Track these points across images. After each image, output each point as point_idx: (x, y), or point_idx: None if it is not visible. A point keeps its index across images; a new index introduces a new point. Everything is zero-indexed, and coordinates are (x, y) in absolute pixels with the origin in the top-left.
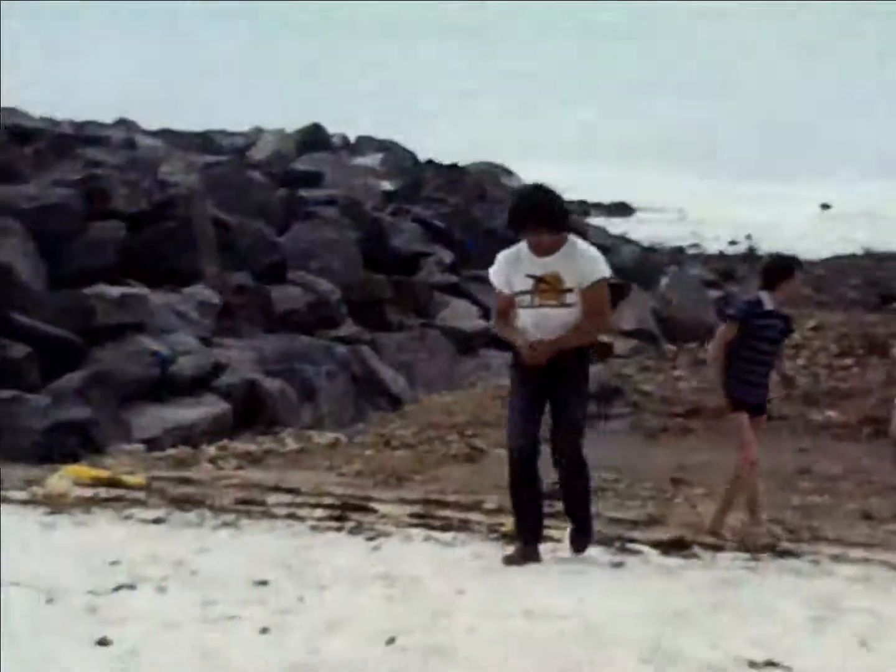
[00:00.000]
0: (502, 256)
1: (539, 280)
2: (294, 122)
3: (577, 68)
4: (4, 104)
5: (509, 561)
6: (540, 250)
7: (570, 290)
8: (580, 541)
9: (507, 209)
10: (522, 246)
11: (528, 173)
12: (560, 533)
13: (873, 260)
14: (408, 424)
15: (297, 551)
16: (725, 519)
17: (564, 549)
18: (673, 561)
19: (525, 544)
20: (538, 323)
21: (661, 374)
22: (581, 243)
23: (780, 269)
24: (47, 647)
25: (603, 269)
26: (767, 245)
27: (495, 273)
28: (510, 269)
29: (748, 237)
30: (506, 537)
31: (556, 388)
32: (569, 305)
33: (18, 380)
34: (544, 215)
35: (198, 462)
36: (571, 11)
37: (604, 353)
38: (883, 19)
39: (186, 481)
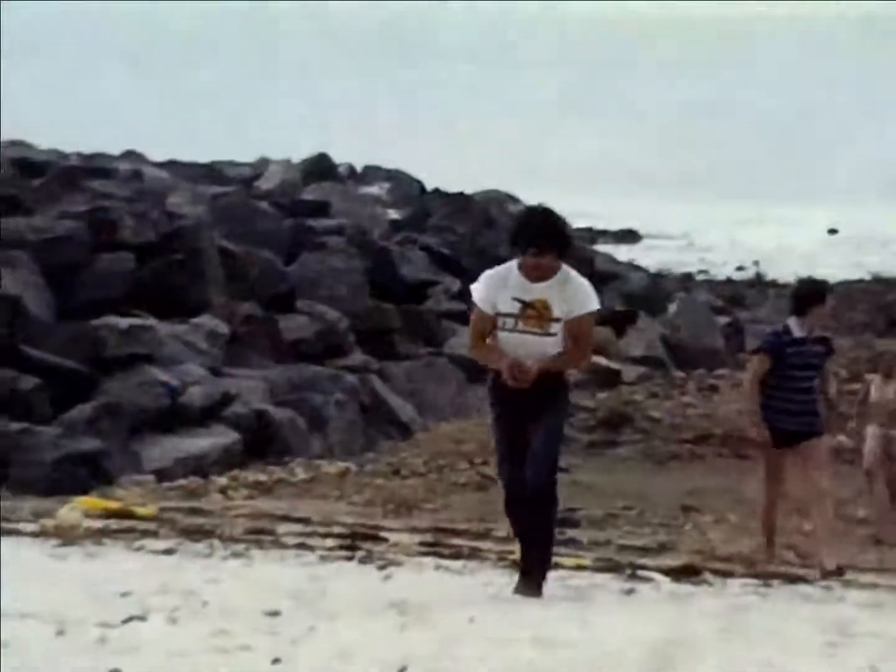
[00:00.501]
0: (489, 275)
1: (526, 305)
2: (300, 151)
3: (580, 93)
4: (12, 137)
5: (517, 591)
6: (535, 275)
7: (556, 320)
8: (532, 582)
9: (513, 227)
10: (512, 266)
11: (534, 200)
12: (570, 561)
13: (882, 285)
14: (417, 453)
15: (308, 581)
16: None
17: (574, 576)
18: (684, 588)
19: (523, 575)
20: (518, 348)
21: (670, 401)
22: (575, 274)
23: (809, 294)
24: None
25: (594, 303)
26: (775, 271)
27: (480, 291)
28: (497, 288)
29: (756, 263)
30: (516, 565)
31: (532, 419)
32: (552, 335)
33: (28, 412)
34: (554, 239)
35: (208, 492)
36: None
37: (611, 381)
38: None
39: (197, 512)
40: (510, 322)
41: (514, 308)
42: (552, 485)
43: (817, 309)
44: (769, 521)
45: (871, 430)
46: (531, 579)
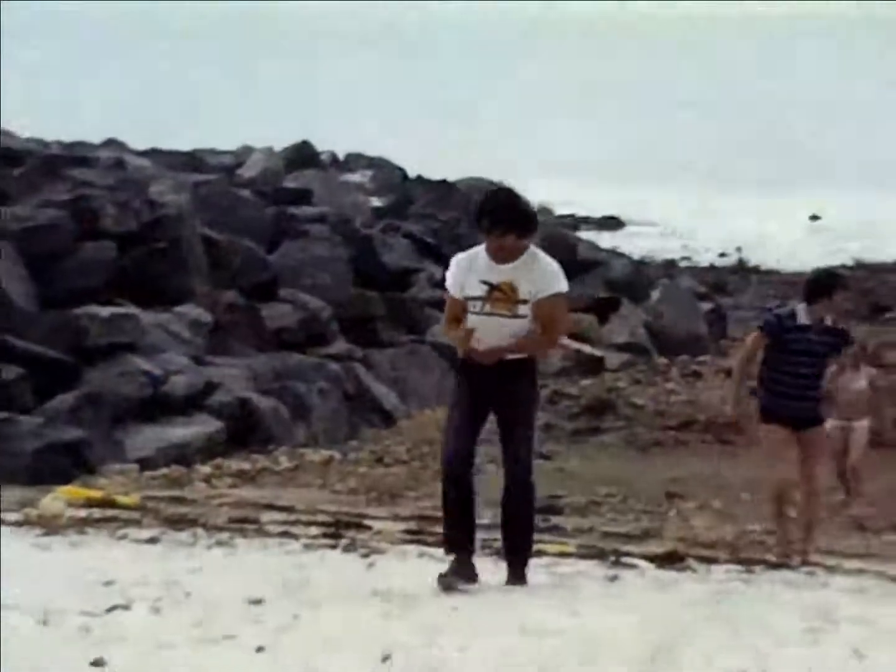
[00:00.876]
0: (457, 259)
1: (493, 287)
2: (282, 139)
3: (565, 83)
4: None
5: (444, 583)
6: (500, 256)
7: (524, 302)
8: (517, 571)
9: (475, 209)
10: (480, 250)
11: (517, 188)
12: (554, 548)
13: (864, 271)
14: (401, 441)
15: (292, 569)
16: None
17: (558, 563)
18: (667, 574)
19: (457, 558)
20: (487, 330)
21: (653, 388)
22: (542, 255)
23: (818, 285)
24: (42, 669)
25: (561, 284)
26: (758, 257)
27: (450, 276)
28: (465, 272)
29: (738, 249)
30: (499, 553)
31: (503, 409)
32: (520, 317)
33: (10, 401)
34: (516, 218)
35: (191, 481)
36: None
37: (594, 368)
38: (881, 23)
39: (180, 501)
40: (479, 305)
41: (482, 291)
42: (531, 481)
43: (824, 301)
44: (781, 509)
45: (831, 423)
46: (517, 568)
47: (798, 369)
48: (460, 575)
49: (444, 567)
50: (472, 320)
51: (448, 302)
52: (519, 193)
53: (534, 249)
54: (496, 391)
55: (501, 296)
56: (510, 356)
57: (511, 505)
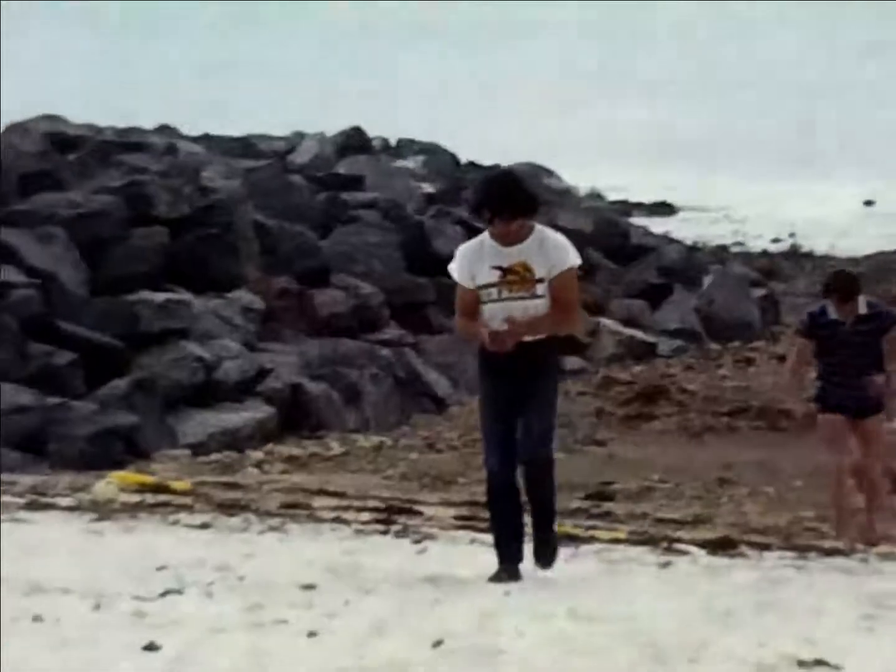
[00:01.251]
0: (463, 249)
1: (506, 271)
2: (334, 125)
3: (614, 67)
4: (46, 112)
5: (494, 579)
6: (507, 239)
7: (540, 281)
8: (545, 555)
9: (474, 196)
10: (485, 237)
11: (569, 173)
12: (606, 534)
13: None
14: (452, 427)
15: (343, 555)
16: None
17: (610, 550)
18: (720, 560)
19: (505, 565)
20: (508, 316)
21: (705, 374)
22: (549, 231)
23: (829, 286)
24: (96, 653)
25: (574, 258)
26: (811, 243)
27: (458, 267)
28: (473, 261)
29: (791, 235)
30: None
31: (523, 392)
32: (540, 297)
33: (64, 387)
34: (521, 201)
35: (243, 467)
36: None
37: (646, 354)
38: None
39: (232, 486)
40: (493, 292)
41: (494, 277)
42: (549, 457)
43: (839, 303)
44: (840, 497)
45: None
46: (544, 553)
47: (843, 360)
48: (508, 578)
49: (494, 554)
50: (488, 309)
51: (459, 294)
52: (517, 174)
53: (540, 227)
54: (519, 370)
55: (516, 278)
56: (529, 338)
57: (533, 490)
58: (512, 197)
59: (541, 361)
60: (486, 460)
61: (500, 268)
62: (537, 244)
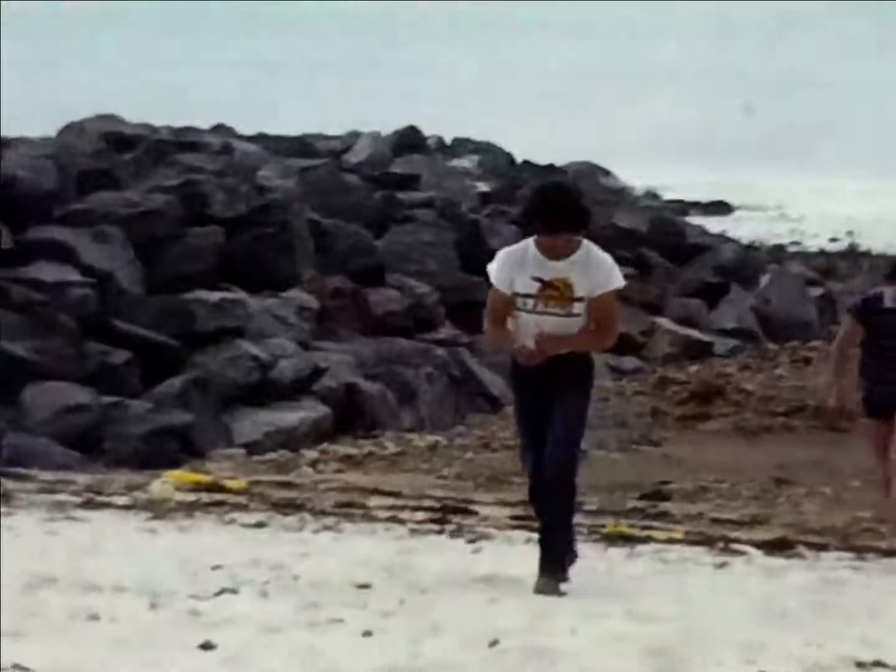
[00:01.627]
0: (506, 253)
1: (546, 284)
2: (390, 124)
3: (671, 66)
4: (103, 111)
5: (538, 588)
6: (553, 252)
7: (579, 300)
8: (553, 572)
9: (526, 206)
10: (529, 244)
11: (624, 172)
12: (662, 534)
13: None
14: (507, 426)
15: (399, 554)
16: None
17: (666, 550)
18: (776, 561)
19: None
20: (539, 330)
21: (762, 373)
22: (596, 249)
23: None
24: (151, 652)
25: (617, 280)
26: (869, 242)
27: (497, 270)
28: (515, 268)
29: (849, 233)
30: (607, 538)
31: (555, 402)
32: (575, 315)
33: (119, 385)
34: (572, 215)
35: (298, 466)
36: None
37: (703, 353)
38: None
39: (287, 485)
40: (530, 303)
41: (533, 288)
42: (572, 470)
43: None
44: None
45: None
46: (550, 574)
47: (890, 353)
48: (548, 586)
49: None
50: (522, 318)
51: (492, 297)
52: (571, 187)
53: (587, 244)
54: (552, 381)
55: (555, 293)
56: (563, 352)
57: (552, 503)
58: (563, 211)
59: (574, 375)
60: (527, 468)
61: (540, 280)
62: (582, 262)
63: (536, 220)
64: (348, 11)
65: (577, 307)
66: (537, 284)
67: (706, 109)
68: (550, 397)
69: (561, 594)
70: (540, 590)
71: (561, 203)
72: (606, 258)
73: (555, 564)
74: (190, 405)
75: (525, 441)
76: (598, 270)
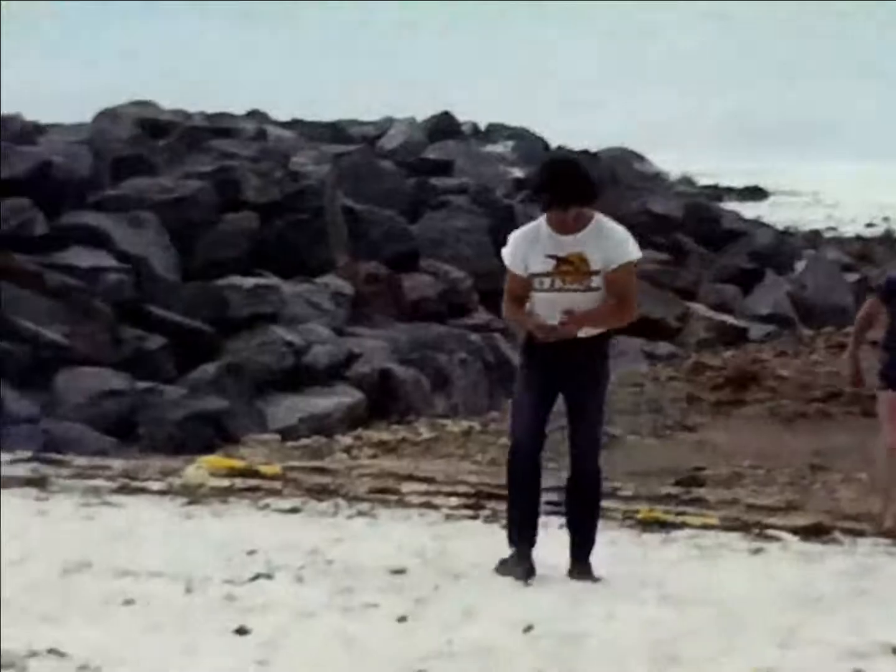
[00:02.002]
0: (518, 234)
1: (561, 261)
2: (424, 110)
3: (705, 53)
4: (137, 98)
5: (503, 570)
6: (564, 228)
7: (596, 273)
8: (581, 563)
9: (534, 181)
10: (541, 222)
11: (660, 158)
12: (697, 520)
13: None
14: None
15: (433, 540)
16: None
17: (701, 536)
18: (813, 547)
19: (518, 549)
20: (559, 307)
21: (798, 359)
22: (609, 221)
23: None
24: (186, 637)
25: (633, 251)
26: None
27: (511, 254)
28: (527, 248)
29: (885, 219)
30: (642, 524)
31: (572, 389)
32: (594, 290)
33: (154, 371)
34: (579, 189)
35: (332, 451)
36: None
37: (738, 339)
38: None
39: (321, 471)
40: (546, 281)
41: (549, 266)
42: (597, 470)
43: None
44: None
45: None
46: (580, 560)
47: None
48: (519, 568)
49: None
50: (540, 298)
51: (509, 280)
52: (578, 161)
53: (599, 216)
54: (566, 370)
55: (571, 269)
56: (583, 334)
57: (576, 493)
58: (570, 183)
59: (593, 356)
60: (511, 432)
61: (555, 257)
62: (595, 235)
63: (546, 195)
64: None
65: (596, 280)
66: (552, 262)
67: (740, 95)
68: (566, 384)
69: (595, 580)
70: (574, 576)
71: (569, 176)
72: (620, 229)
73: (584, 553)
74: (224, 391)
75: (520, 403)
76: (612, 242)
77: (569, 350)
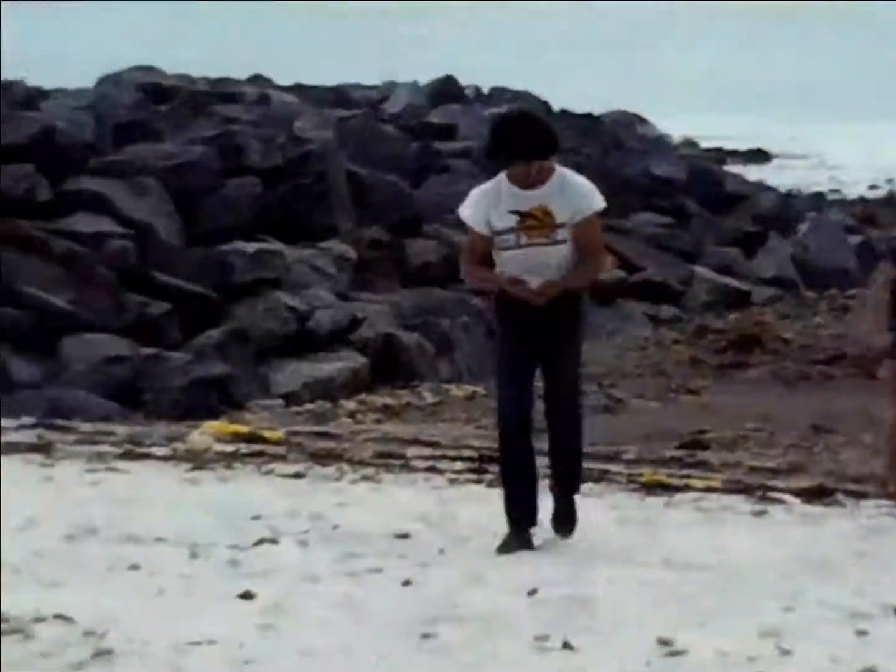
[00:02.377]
0: (478, 192)
1: (525, 216)
2: (427, 74)
3: (704, 11)
4: (142, 62)
5: (502, 549)
6: (526, 182)
7: (561, 226)
8: (568, 521)
9: (490, 138)
10: (502, 178)
11: (663, 122)
12: (700, 482)
13: None
14: None
15: (438, 504)
16: None
17: (704, 498)
18: (815, 509)
19: (517, 529)
20: (527, 264)
21: (801, 322)
22: (571, 173)
23: None
24: (191, 602)
25: (598, 202)
26: None
27: (471, 210)
28: (489, 205)
29: (889, 181)
30: (645, 487)
31: (548, 341)
32: (560, 242)
33: (158, 337)
34: (540, 141)
35: (336, 416)
36: None
37: (741, 302)
38: None
39: (325, 436)
40: (511, 238)
41: (512, 221)
42: (578, 407)
43: None
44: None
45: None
46: (564, 513)
47: None
48: (519, 547)
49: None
50: (506, 256)
51: (470, 239)
52: (534, 113)
53: (561, 169)
54: (541, 324)
55: (536, 223)
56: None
57: (562, 442)
58: (533, 136)
59: (568, 312)
60: (498, 405)
61: (517, 212)
62: (558, 187)
63: (506, 150)
64: None
65: (561, 233)
66: (515, 217)
67: (743, 57)
68: (538, 334)
69: (569, 534)
70: (557, 520)
71: (529, 128)
72: (583, 181)
73: (571, 511)
74: (228, 356)
75: (503, 376)
76: (576, 194)
77: (544, 308)
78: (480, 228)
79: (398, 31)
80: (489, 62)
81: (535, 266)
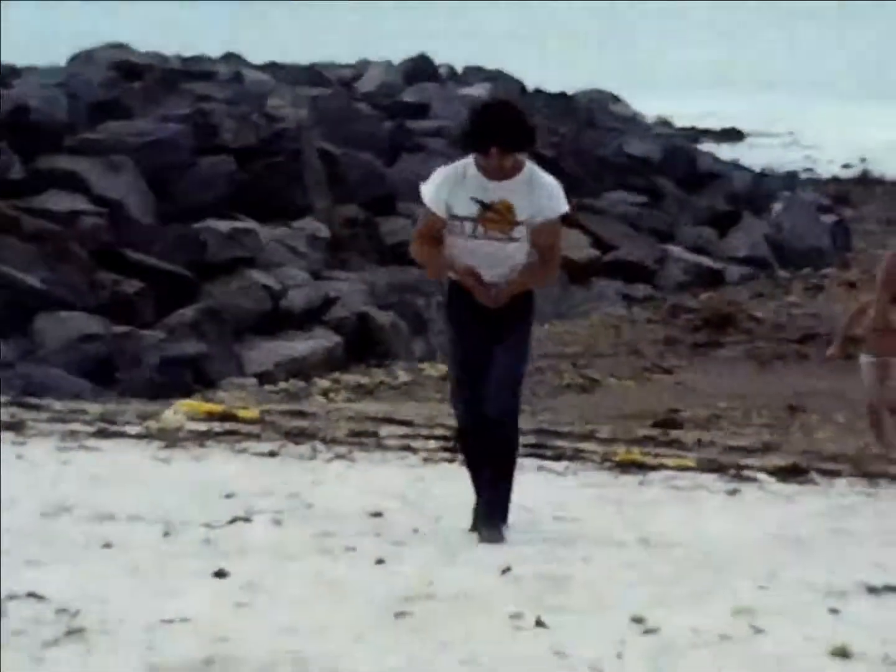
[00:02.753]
0: (442, 173)
1: (486, 207)
2: (400, 52)
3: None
4: (114, 40)
5: (476, 528)
6: (498, 174)
7: (519, 224)
8: (492, 518)
9: (469, 124)
10: (469, 163)
11: (637, 102)
12: (674, 461)
13: None
14: None
15: (411, 483)
16: None
17: (678, 477)
18: (789, 487)
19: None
20: (480, 255)
21: (774, 301)
22: (540, 172)
23: None
24: (165, 580)
25: (562, 205)
26: (882, 168)
27: (432, 190)
28: (452, 188)
29: (863, 160)
30: (619, 466)
31: (496, 334)
32: (516, 240)
33: (132, 315)
34: (523, 134)
35: (310, 395)
36: None
37: (714, 281)
38: None
39: (299, 414)
40: (468, 227)
41: (473, 210)
42: (515, 410)
43: None
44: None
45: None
46: (491, 519)
47: None
48: (490, 533)
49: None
50: (460, 244)
51: (426, 219)
52: (518, 104)
53: (531, 165)
54: (492, 321)
55: (496, 217)
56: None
57: (496, 439)
58: (517, 128)
59: (520, 307)
60: (454, 406)
61: (480, 202)
62: (525, 184)
63: (485, 139)
64: None
65: (518, 231)
66: (476, 206)
67: (716, 36)
68: (490, 329)
69: (503, 541)
70: (485, 539)
71: (513, 120)
72: (552, 181)
73: (499, 511)
74: (202, 335)
75: (459, 376)
76: (542, 194)
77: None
78: (438, 209)
79: (374, 9)
80: (465, 41)
81: (487, 259)
